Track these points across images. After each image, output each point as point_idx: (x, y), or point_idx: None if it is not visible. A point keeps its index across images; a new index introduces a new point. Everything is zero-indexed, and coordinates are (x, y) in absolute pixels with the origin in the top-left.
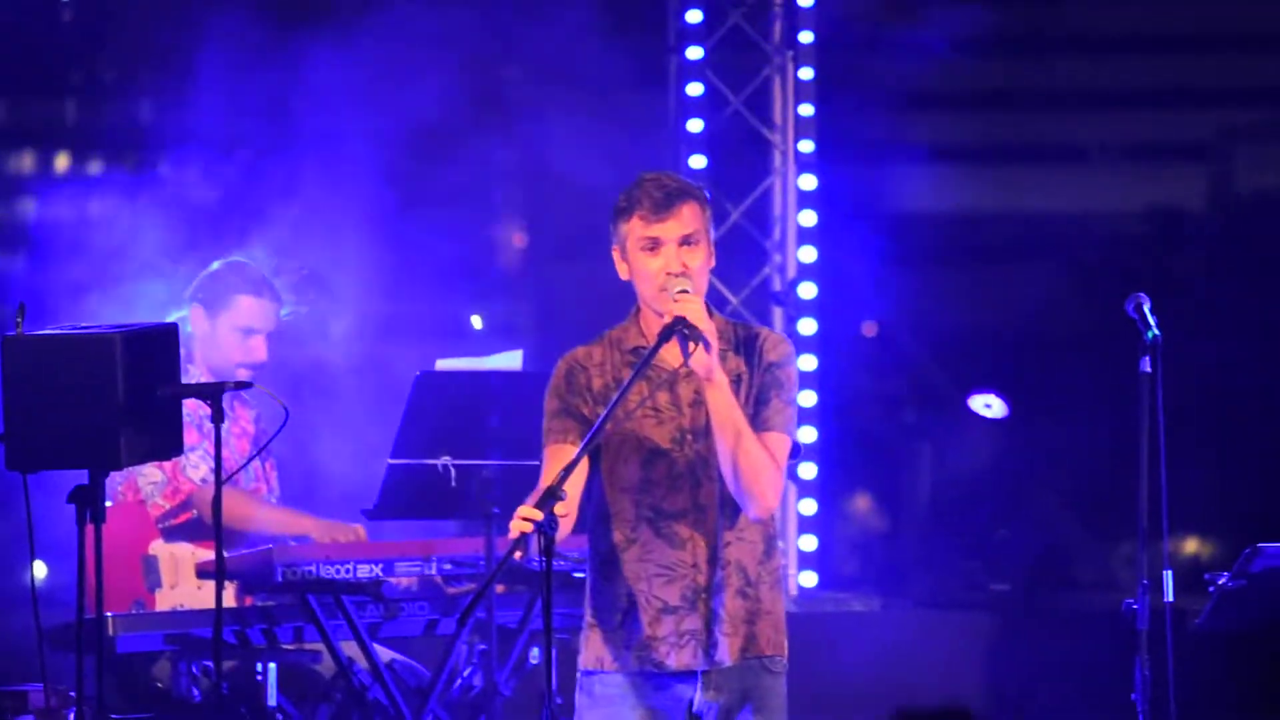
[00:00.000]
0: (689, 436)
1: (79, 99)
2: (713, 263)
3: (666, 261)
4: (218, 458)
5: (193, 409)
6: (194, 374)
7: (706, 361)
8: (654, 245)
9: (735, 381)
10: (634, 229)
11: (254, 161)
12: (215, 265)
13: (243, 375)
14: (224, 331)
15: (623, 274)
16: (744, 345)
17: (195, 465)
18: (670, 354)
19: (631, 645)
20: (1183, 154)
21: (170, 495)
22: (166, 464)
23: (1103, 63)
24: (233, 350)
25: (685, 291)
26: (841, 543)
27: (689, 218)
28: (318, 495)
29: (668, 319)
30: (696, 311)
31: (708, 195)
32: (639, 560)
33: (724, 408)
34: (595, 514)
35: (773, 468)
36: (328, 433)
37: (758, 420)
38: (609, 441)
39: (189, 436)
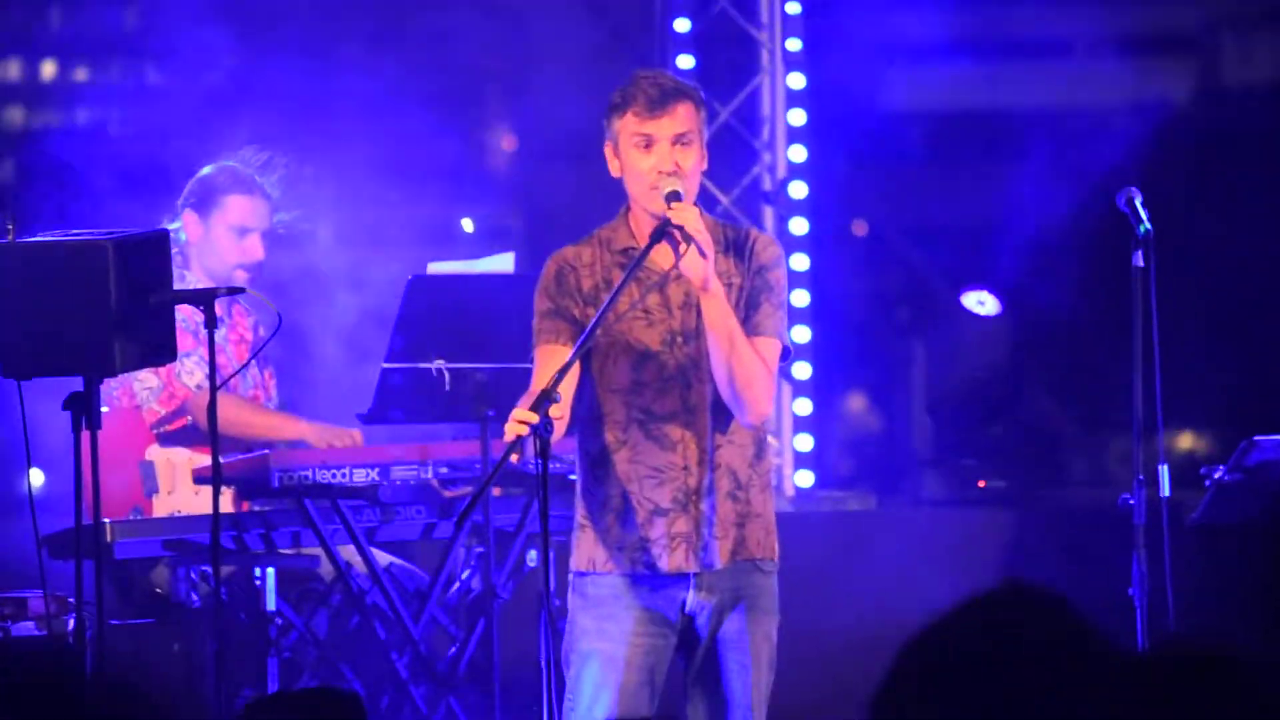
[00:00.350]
0: (679, 339)
1: (64, 5)
2: (704, 164)
3: (659, 159)
4: (211, 363)
5: (188, 315)
6: (191, 280)
7: (702, 270)
8: (647, 143)
9: (726, 286)
10: (628, 125)
11: (240, 67)
12: (204, 170)
13: (240, 277)
14: (219, 233)
15: (614, 171)
16: (733, 246)
17: (190, 371)
18: (660, 255)
19: (624, 547)
20: (1170, 46)
21: (166, 401)
22: (162, 369)
23: None
24: (229, 251)
25: (677, 194)
26: (838, 442)
27: (684, 117)
28: (313, 400)
29: (658, 220)
30: (693, 221)
31: (703, 96)
32: (630, 462)
33: (719, 317)
34: (586, 415)
35: (766, 374)
36: (322, 338)
37: (749, 325)
38: (599, 343)
39: (185, 342)
